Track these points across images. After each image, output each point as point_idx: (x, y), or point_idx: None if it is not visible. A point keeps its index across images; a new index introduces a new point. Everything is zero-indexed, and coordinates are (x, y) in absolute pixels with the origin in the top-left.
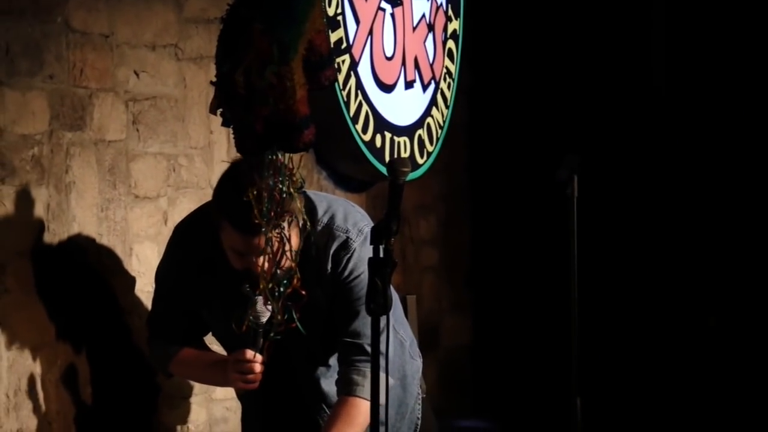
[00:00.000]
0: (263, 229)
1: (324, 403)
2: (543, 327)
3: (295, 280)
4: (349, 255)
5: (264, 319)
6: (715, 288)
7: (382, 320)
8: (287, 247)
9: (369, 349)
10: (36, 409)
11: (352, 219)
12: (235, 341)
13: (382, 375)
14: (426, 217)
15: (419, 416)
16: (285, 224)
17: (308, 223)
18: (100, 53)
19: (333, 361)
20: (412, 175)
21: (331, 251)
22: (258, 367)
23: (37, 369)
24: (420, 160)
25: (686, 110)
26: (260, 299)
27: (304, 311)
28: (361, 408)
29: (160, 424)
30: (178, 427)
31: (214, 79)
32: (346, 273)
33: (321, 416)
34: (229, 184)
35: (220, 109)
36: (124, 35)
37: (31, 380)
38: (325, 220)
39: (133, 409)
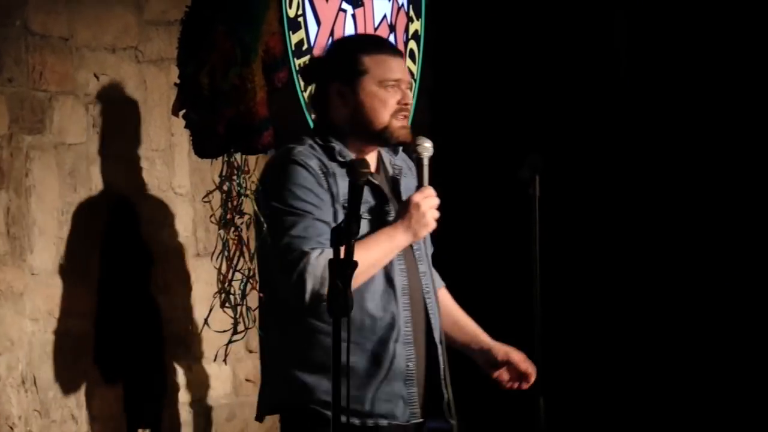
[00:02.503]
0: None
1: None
2: (506, 326)
3: (254, 283)
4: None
5: (429, 152)
6: (680, 288)
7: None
8: (244, 249)
9: None
10: None
11: None
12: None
13: None
14: None
15: None
16: (243, 226)
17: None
18: (60, 56)
19: None
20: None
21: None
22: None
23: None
24: None
25: (648, 111)
26: (420, 136)
27: None
28: None
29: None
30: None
31: (177, 81)
32: None
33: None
34: (357, 36)
35: (183, 111)
36: (83, 38)
37: None
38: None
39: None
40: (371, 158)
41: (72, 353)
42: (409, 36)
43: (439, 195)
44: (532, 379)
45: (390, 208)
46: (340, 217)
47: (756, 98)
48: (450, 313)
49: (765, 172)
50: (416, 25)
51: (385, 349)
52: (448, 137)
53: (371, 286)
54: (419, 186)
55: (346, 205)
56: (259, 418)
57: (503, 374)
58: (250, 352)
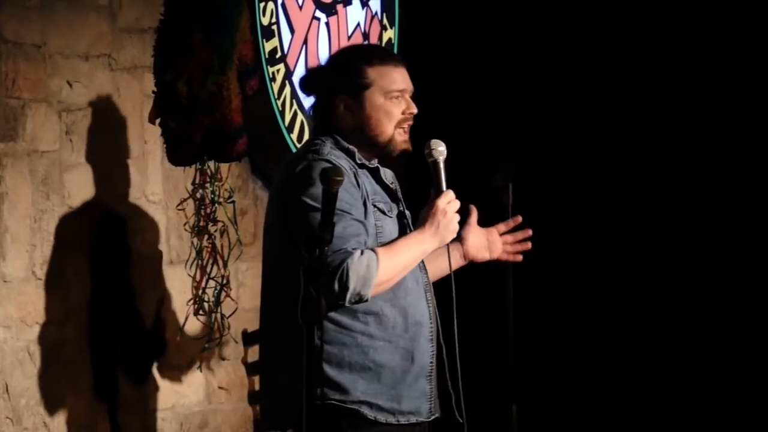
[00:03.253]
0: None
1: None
2: (478, 333)
3: (228, 291)
4: None
5: (444, 155)
6: (651, 295)
7: None
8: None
9: None
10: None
11: None
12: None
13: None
14: None
15: None
16: (216, 234)
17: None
18: (33, 63)
19: None
20: None
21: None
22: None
23: None
24: None
25: (619, 119)
26: (434, 140)
27: None
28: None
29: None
30: None
31: (154, 89)
32: None
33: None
34: (360, 47)
35: (159, 119)
36: (56, 45)
37: None
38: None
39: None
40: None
41: (44, 361)
42: (383, 44)
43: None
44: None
45: (404, 209)
46: (370, 217)
47: (722, 112)
48: None
49: (732, 183)
50: (390, 34)
51: (417, 346)
52: (421, 145)
53: (402, 284)
54: (438, 190)
55: (376, 204)
56: (277, 423)
57: (494, 254)
58: (224, 359)
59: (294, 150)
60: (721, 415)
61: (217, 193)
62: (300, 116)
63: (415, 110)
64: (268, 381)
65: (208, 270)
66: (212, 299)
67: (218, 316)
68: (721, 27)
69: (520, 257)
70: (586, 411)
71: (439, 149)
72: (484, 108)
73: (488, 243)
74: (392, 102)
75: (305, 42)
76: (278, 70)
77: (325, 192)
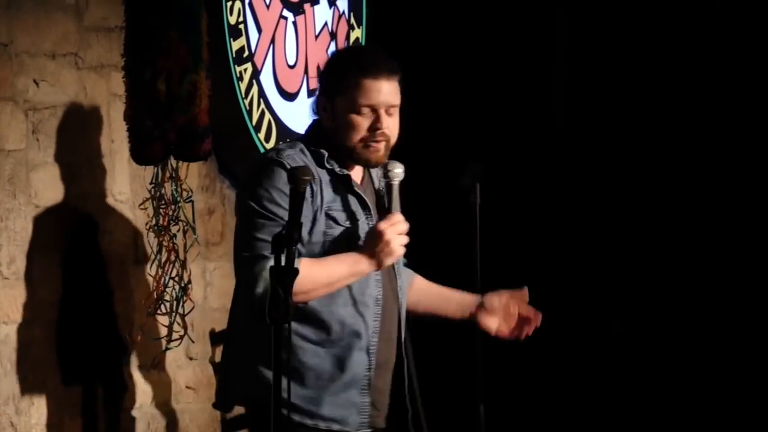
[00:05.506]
0: (394, 72)
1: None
2: (446, 333)
3: (190, 290)
4: None
5: (399, 177)
6: (618, 295)
7: None
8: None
9: None
10: None
11: None
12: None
13: None
14: None
15: None
16: (179, 233)
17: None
18: None
19: None
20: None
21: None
22: (406, 226)
23: None
24: None
25: (586, 116)
26: (394, 161)
27: None
28: None
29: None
30: None
31: (131, 88)
32: None
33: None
34: (348, 50)
35: (132, 118)
36: (23, 44)
37: None
38: None
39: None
40: (358, 169)
41: (10, 360)
42: (350, 44)
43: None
44: (537, 320)
45: (372, 220)
46: (320, 225)
47: (692, 115)
48: (431, 288)
49: (701, 184)
50: (357, 33)
51: (350, 356)
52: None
53: (344, 293)
54: (388, 211)
55: (329, 212)
56: (224, 407)
57: (502, 326)
58: (191, 359)
59: (261, 149)
60: (691, 413)
61: (178, 191)
62: (267, 115)
63: (384, 127)
64: (225, 368)
65: (167, 269)
66: (173, 299)
67: (177, 315)
68: (692, 33)
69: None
70: (554, 410)
71: (396, 171)
72: (452, 108)
73: (504, 316)
74: (360, 115)
75: (273, 41)
76: (245, 69)
77: (293, 191)
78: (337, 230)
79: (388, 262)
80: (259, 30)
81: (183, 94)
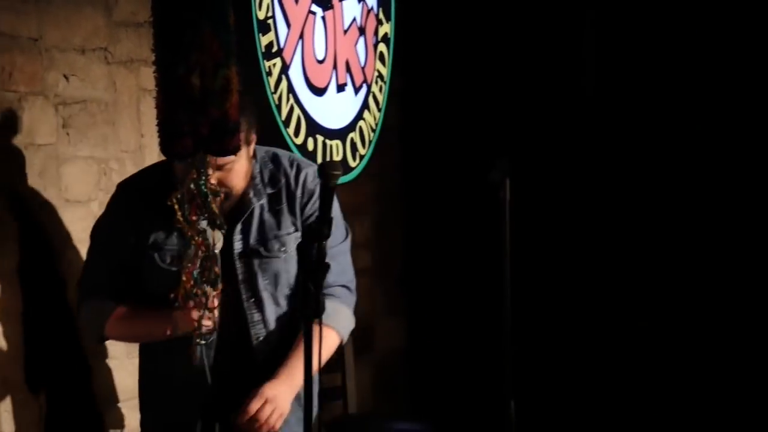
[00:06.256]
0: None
1: (267, 330)
2: (477, 329)
3: (220, 284)
4: (317, 183)
5: (218, 249)
6: (647, 289)
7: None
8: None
9: (339, 288)
10: None
11: (306, 156)
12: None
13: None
14: (359, 220)
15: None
16: (207, 227)
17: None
18: (29, 57)
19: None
20: (345, 179)
21: (302, 180)
22: (216, 301)
23: None
24: (352, 163)
25: (616, 112)
26: (217, 233)
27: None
28: (328, 334)
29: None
30: None
31: (163, 82)
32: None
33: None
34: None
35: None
36: (53, 39)
37: None
38: (287, 158)
39: (66, 416)
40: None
41: None
42: (379, 39)
43: (407, 199)
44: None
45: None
46: (144, 262)
47: (723, 104)
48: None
49: (729, 176)
50: (386, 28)
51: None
52: (418, 140)
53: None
54: None
55: (156, 253)
56: None
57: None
58: None
59: (290, 143)
60: (718, 410)
61: (206, 186)
62: (296, 110)
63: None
64: None
65: (196, 263)
66: (202, 293)
67: (206, 310)
68: (721, 16)
69: None
70: (583, 406)
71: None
72: (481, 103)
73: None
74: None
75: (301, 36)
76: (274, 65)
77: (323, 186)
78: (158, 272)
79: (183, 328)
80: (288, 25)
81: (216, 88)
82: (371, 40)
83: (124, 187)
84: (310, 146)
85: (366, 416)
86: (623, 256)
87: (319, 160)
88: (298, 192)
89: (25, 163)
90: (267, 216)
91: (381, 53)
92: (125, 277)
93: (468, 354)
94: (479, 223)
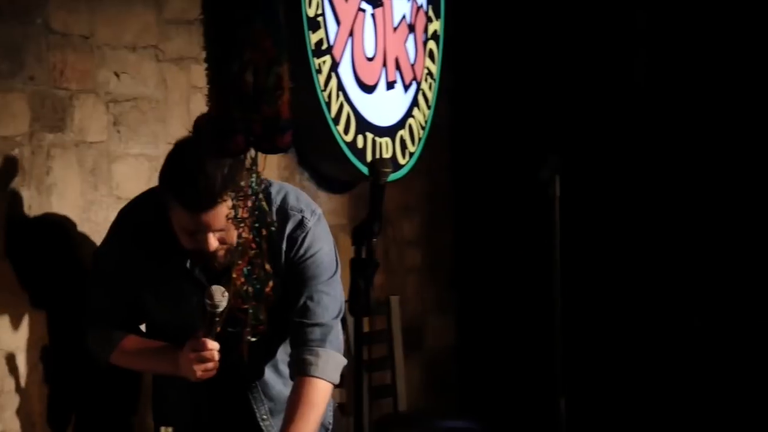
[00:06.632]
0: (212, 205)
1: (258, 380)
2: (527, 327)
3: (271, 283)
4: (304, 234)
5: (222, 308)
6: (700, 288)
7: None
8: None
9: (321, 330)
10: (19, 410)
11: (304, 199)
12: (183, 329)
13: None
14: (409, 218)
15: (330, 420)
16: (257, 225)
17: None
18: (81, 54)
19: (275, 344)
20: (394, 176)
21: (287, 231)
22: (217, 355)
23: (19, 370)
24: (402, 161)
25: (667, 108)
26: (219, 288)
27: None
28: (319, 387)
29: (142, 425)
30: (162, 429)
31: (216, 80)
32: (302, 252)
33: (253, 394)
34: (174, 162)
35: (217, 110)
36: (104, 36)
37: (14, 382)
38: (278, 200)
39: (115, 410)
40: None
41: None
42: (429, 36)
43: (457, 196)
44: None
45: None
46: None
47: None
48: None
49: None
50: (435, 26)
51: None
52: (467, 137)
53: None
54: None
55: (156, 294)
56: None
57: None
58: None
59: (340, 141)
60: None
61: (257, 184)
62: (346, 108)
63: (209, 249)
64: None
65: (246, 261)
66: (253, 290)
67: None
68: None
69: None
70: (634, 404)
71: (217, 301)
72: (531, 100)
73: None
74: (185, 234)
75: (351, 33)
76: (324, 62)
77: (373, 184)
78: (157, 313)
79: (190, 378)
80: (338, 22)
81: (270, 86)
82: (421, 38)
83: (125, 216)
84: (360, 144)
85: (416, 414)
86: (676, 252)
87: (369, 157)
88: (283, 245)
89: (77, 161)
90: None
91: (430, 50)
92: (129, 307)
93: (518, 352)
94: (529, 221)
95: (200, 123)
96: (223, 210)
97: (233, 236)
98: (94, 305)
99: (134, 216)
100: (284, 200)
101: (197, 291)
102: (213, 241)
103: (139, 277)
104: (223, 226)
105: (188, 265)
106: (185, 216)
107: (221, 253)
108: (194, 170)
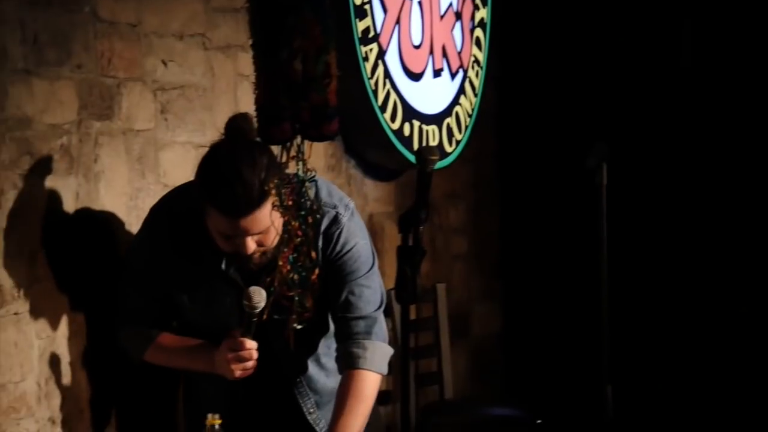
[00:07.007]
0: (251, 211)
1: (303, 375)
2: (573, 314)
3: (317, 271)
4: (339, 230)
5: (260, 309)
6: (747, 275)
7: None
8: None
9: (366, 322)
10: (67, 397)
11: (337, 194)
12: (216, 329)
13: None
14: (455, 206)
15: None
16: (301, 213)
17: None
18: (128, 43)
19: (316, 338)
20: (441, 164)
21: (322, 228)
22: (255, 354)
23: (67, 357)
24: (448, 149)
25: (715, 96)
26: (257, 288)
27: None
28: (368, 379)
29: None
30: (209, 416)
31: (253, 67)
32: (339, 248)
33: (298, 389)
34: (210, 168)
35: (266, 98)
36: (151, 24)
37: (63, 369)
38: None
39: (162, 397)
40: None
41: None
42: (476, 24)
43: (503, 184)
44: None
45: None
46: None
47: None
48: None
49: None
50: (482, 13)
51: None
52: (514, 125)
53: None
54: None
55: (185, 293)
56: None
57: None
58: None
59: (386, 129)
60: None
61: (303, 172)
62: (393, 96)
63: (247, 253)
64: None
65: (291, 248)
66: (299, 278)
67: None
68: None
69: None
70: (681, 391)
71: (255, 302)
72: (577, 87)
73: None
74: (222, 238)
75: (398, 21)
76: (371, 50)
77: (420, 172)
78: (187, 314)
79: (227, 377)
80: (385, 10)
81: (318, 74)
82: (468, 25)
83: (157, 214)
84: (407, 131)
85: (461, 402)
86: (724, 241)
87: (416, 145)
88: (320, 242)
89: (124, 148)
90: None
91: (477, 38)
92: (161, 306)
93: (564, 339)
94: (575, 208)
95: (232, 124)
96: (261, 214)
97: (270, 239)
98: (127, 304)
99: (167, 214)
100: (317, 196)
101: (231, 291)
102: (251, 245)
103: (172, 276)
104: (261, 230)
105: (223, 266)
106: (223, 221)
107: (257, 255)
108: (232, 176)
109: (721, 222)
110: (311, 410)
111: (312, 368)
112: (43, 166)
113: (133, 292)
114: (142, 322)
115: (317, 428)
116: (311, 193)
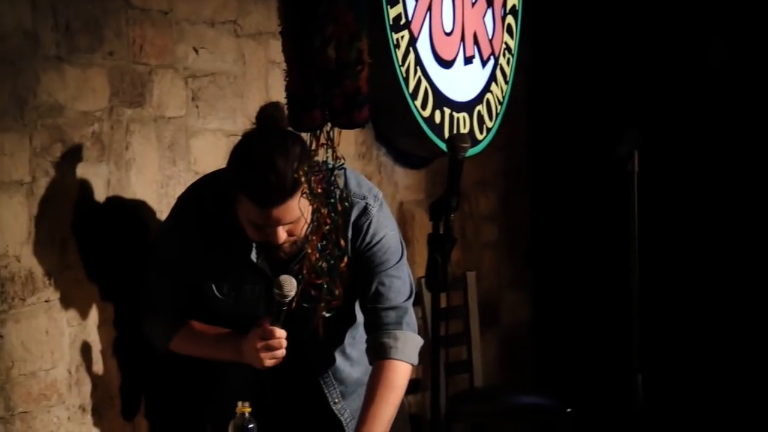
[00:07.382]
0: (283, 201)
1: (330, 367)
2: (604, 303)
3: (345, 259)
4: (369, 221)
5: (291, 298)
6: None
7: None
8: (335, 224)
9: (396, 312)
10: (98, 385)
11: (366, 185)
12: (243, 318)
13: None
14: (486, 194)
15: None
16: (331, 200)
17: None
18: (160, 30)
19: (341, 328)
20: (472, 151)
21: (352, 219)
22: (285, 343)
23: (98, 345)
24: (479, 136)
25: (747, 81)
26: (288, 277)
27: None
28: (400, 369)
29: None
30: (239, 403)
31: (285, 54)
32: (368, 239)
33: (324, 379)
34: (242, 157)
35: (299, 85)
36: (183, 12)
37: (93, 356)
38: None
39: (192, 385)
40: None
41: None
42: (507, 11)
43: (534, 172)
44: None
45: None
46: (203, 287)
47: None
48: None
49: None
50: (514, 0)
51: None
52: (545, 112)
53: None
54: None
55: (213, 283)
56: None
57: None
58: None
59: (417, 116)
60: None
61: (333, 159)
62: (424, 83)
63: (278, 242)
64: None
65: (319, 236)
66: (327, 266)
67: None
68: None
69: None
70: (711, 380)
71: (286, 291)
72: (609, 75)
73: None
74: (253, 227)
75: (429, 8)
76: (402, 37)
77: (451, 159)
78: (217, 302)
79: (256, 366)
80: None
81: (352, 60)
82: (499, 12)
83: (185, 202)
84: (437, 119)
85: (491, 390)
86: (757, 231)
87: (446, 132)
88: (349, 233)
89: (155, 136)
90: None
91: (509, 25)
92: (188, 295)
93: (594, 327)
94: (606, 196)
95: (264, 113)
96: (293, 204)
97: (300, 228)
98: (153, 293)
99: (195, 203)
100: (346, 185)
101: (260, 280)
102: (282, 234)
103: (199, 265)
104: (292, 219)
105: (253, 255)
106: (254, 210)
107: (287, 244)
108: (264, 166)
109: (754, 211)
110: (336, 400)
111: (338, 358)
112: (74, 154)
113: (160, 281)
114: (169, 311)
115: (342, 418)
116: (340, 181)
